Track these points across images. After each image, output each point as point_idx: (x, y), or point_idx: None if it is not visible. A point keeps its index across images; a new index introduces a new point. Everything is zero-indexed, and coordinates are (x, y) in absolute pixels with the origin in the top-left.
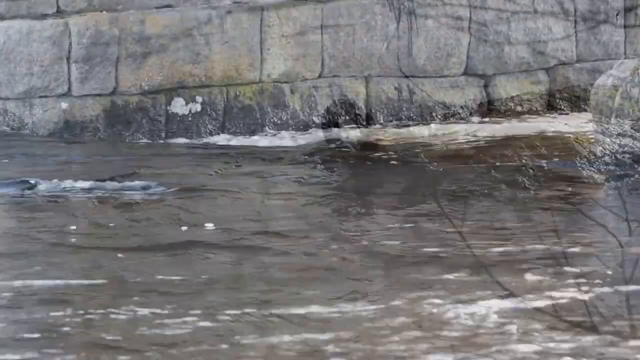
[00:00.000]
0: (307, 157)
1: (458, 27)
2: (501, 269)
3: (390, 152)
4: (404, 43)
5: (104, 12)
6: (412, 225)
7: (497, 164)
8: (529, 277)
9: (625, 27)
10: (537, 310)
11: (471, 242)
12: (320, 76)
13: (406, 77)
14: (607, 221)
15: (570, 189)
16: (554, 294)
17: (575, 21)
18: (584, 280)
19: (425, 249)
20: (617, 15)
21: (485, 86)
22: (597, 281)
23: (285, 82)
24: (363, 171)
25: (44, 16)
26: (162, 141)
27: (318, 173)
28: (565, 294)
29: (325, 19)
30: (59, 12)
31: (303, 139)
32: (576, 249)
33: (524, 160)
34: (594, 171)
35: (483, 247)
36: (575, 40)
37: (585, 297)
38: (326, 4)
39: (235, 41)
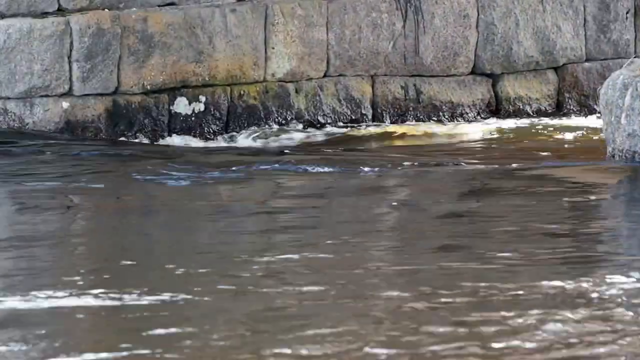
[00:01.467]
0: None
1: (465, 25)
2: None
3: None
4: (411, 42)
5: (106, 10)
6: None
7: None
8: None
9: (635, 25)
10: None
11: None
12: (325, 75)
13: (413, 76)
14: None
15: None
16: None
17: (585, 19)
18: None
19: None
20: (627, 13)
21: (493, 85)
22: None
23: (290, 82)
24: None
25: (44, 14)
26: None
27: None
28: None
29: (330, 17)
30: (60, 11)
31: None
32: None
33: None
34: None
35: None
36: (584, 38)
37: None
38: (332, 2)
39: (239, 40)
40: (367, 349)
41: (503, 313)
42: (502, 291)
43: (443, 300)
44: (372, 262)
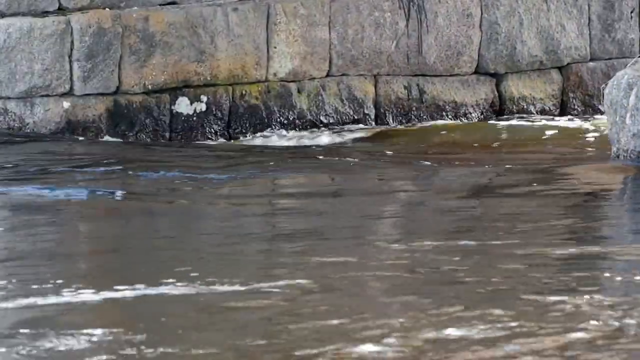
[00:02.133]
0: None
1: (469, 24)
2: None
3: None
4: (414, 41)
5: (107, 9)
6: None
7: None
8: None
9: None
10: None
11: None
12: (328, 75)
13: (416, 75)
14: None
15: None
16: None
17: (589, 19)
18: None
19: None
20: (631, 12)
21: (497, 85)
22: None
23: (293, 81)
24: None
25: (45, 13)
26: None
27: None
28: None
29: (333, 16)
30: (61, 10)
31: None
32: None
33: None
34: None
35: None
36: (589, 38)
37: None
38: (334, 1)
39: (241, 39)
40: None
41: None
42: None
43: None
44: None
